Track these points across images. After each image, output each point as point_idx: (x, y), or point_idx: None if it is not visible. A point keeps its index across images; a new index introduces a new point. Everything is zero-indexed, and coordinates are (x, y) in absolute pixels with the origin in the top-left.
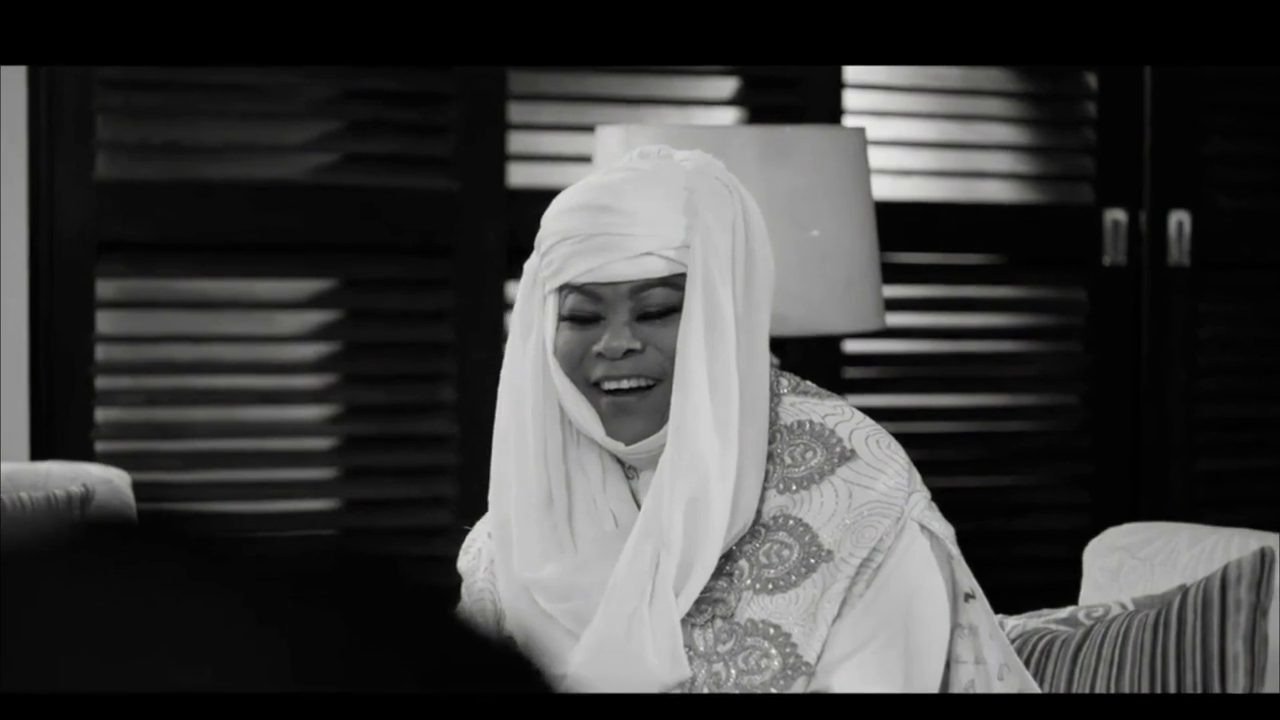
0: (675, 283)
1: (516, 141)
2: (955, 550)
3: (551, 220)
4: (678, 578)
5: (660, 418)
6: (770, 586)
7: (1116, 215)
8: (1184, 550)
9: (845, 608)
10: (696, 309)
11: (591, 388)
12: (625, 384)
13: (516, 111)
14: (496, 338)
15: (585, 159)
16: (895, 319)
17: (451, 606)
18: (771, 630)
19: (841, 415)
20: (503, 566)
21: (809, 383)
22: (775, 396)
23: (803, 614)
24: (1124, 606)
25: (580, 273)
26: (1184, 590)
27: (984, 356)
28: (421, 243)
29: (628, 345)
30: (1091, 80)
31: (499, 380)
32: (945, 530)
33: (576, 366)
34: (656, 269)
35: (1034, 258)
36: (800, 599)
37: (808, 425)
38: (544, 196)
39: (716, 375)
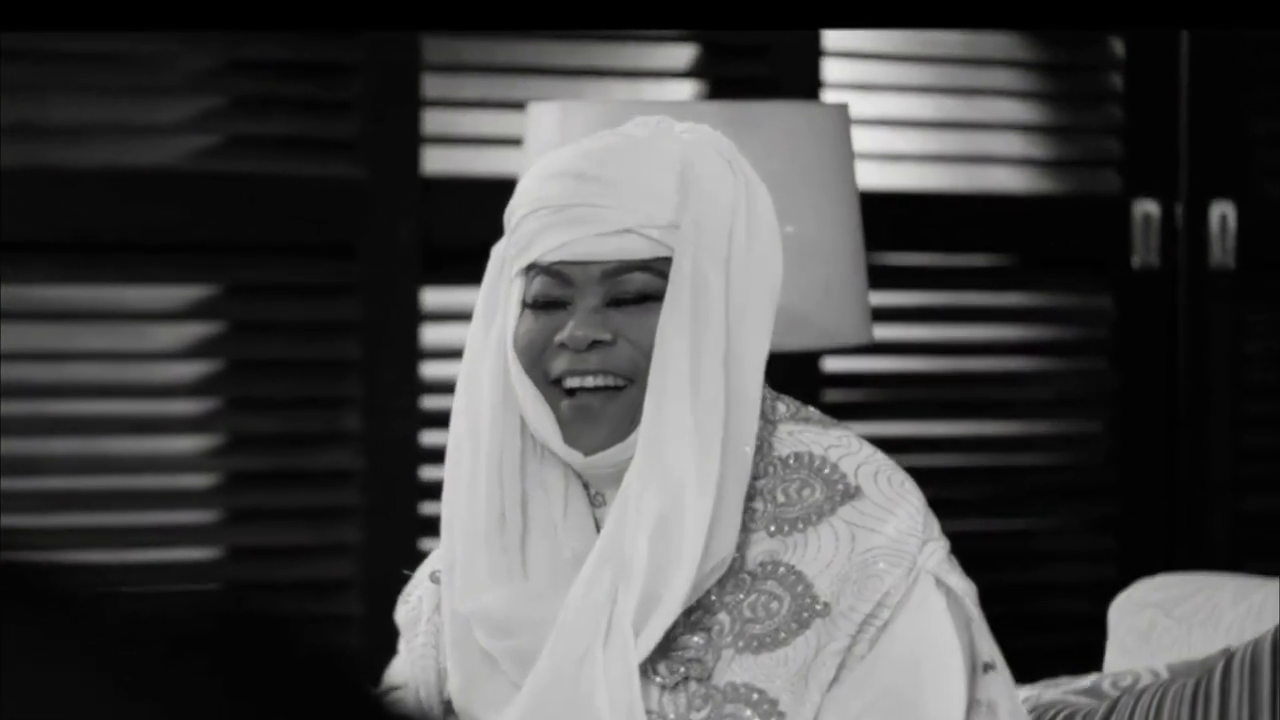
0: (658, 268)
1: (433, 121)
2: (976, 611)
3: (524, 190)
4: (638, 613)
5: (628, 426)
6: (755, 644)
7: (1148, 208)
8: (1228, 607)
9: (844, 670)
10: (682, 297)
11: (552, 386)
12: (590, 381)
13: (433, 86)
14: (410, 355)
15: (515, 141)
16: (884, 331)
17: (354, 673)
18: (755, 696)
19: (847, 448)
20: (446, 602)
21: (812, 409)
22: (770, 424)
23: (793, 677)
24: (1156, 674)
25: (549, 249)
26: (1228, 655)
27: (990, 376)
28: (321, 241)
29: (595, 335)
30: (1118, 47)
31: (414, 397)
32: (965, 587)
33: (537, 360)
34: (637, 250)
35: (1050, 258)
36: (790, 660)
37: (807, 458)
38: (465, 186)
39: (700, 377)
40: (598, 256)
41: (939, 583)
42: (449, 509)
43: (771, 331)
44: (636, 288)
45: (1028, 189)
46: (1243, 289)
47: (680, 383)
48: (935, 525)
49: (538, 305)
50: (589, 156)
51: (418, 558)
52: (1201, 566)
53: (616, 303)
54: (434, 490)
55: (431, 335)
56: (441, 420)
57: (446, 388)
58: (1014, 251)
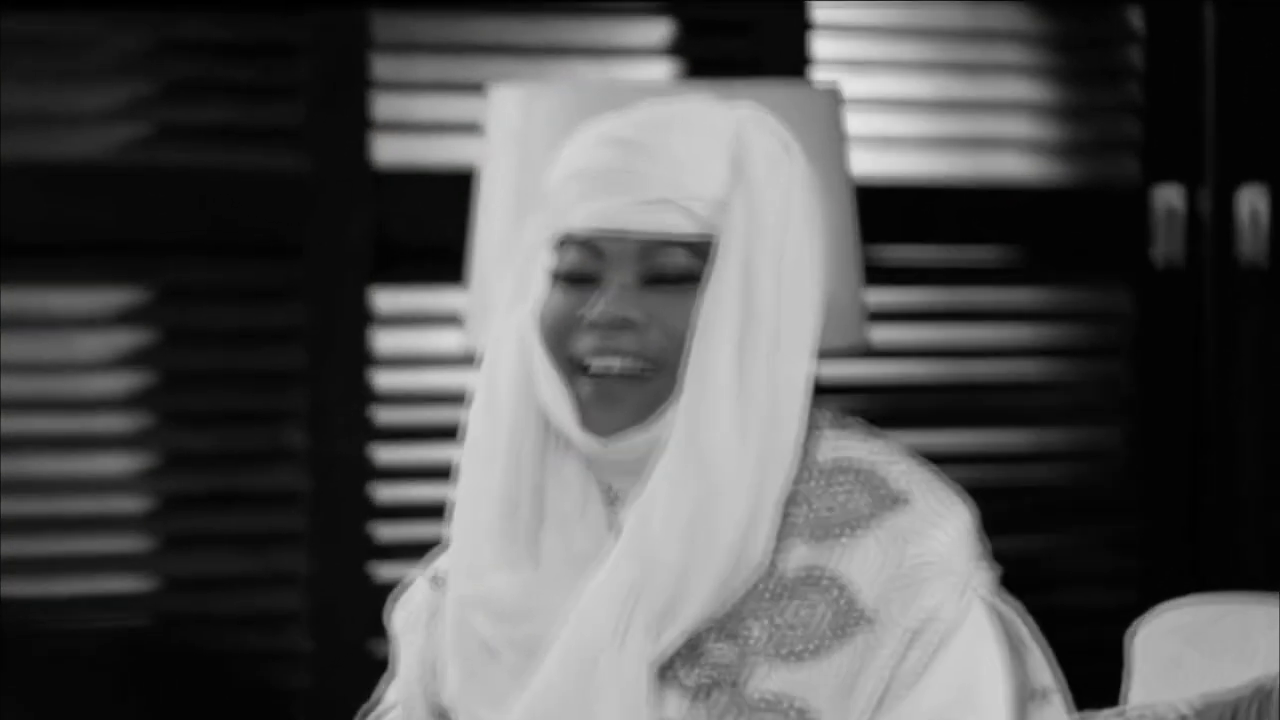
0: (700, 249)
1: (384, 107)
2: (1031, 636)
3: (562, 160)
4: (661, 616)
5: (649, 412)
6: (794, 656)
7: (1171, 196)
8: (1261, 633)
9: (889, 696)
10: (730, 282)
11: (574, 367)
12: (615, 364)
13: (384, 67)
14: (360, 363)
15: (474, 128)
16: (882, 334)
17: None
18: (792, 708)
19: (893, 458)
20: (451, 589)
21: (853, 418)
22: (815, 430)
23: (835, 690)
24: (1182, 709)
25: (583, 218)
26: (1260, 686)
27: (997, 383)
28: (262, 240)
29: (626, 314)
30: (1136, 18)
31: (364, 410)
32: (1015, 611)
33: (561, 339)
34: (678, 225)
35: (1063, 253)
36: (831, 673)
37: (851, 466)
38: (420, 178)
39: (745, 370)
40: (634, 228)
41: (991, 607)
42: (462, 498)
43: (819, 333)
44: (676, 267)
45: (1038, 176)
46: (1275, 285)
47: (723, 375)
48: (983, 551)
49: (567, 279)
50: (632, 123)
51: (369, 587)
52: (1231, 591)
53: (652, 282)
54: (387, 512)
55: (384, 342)
56: (394, 435)
57: (399, 399)
58: (1023, 245)
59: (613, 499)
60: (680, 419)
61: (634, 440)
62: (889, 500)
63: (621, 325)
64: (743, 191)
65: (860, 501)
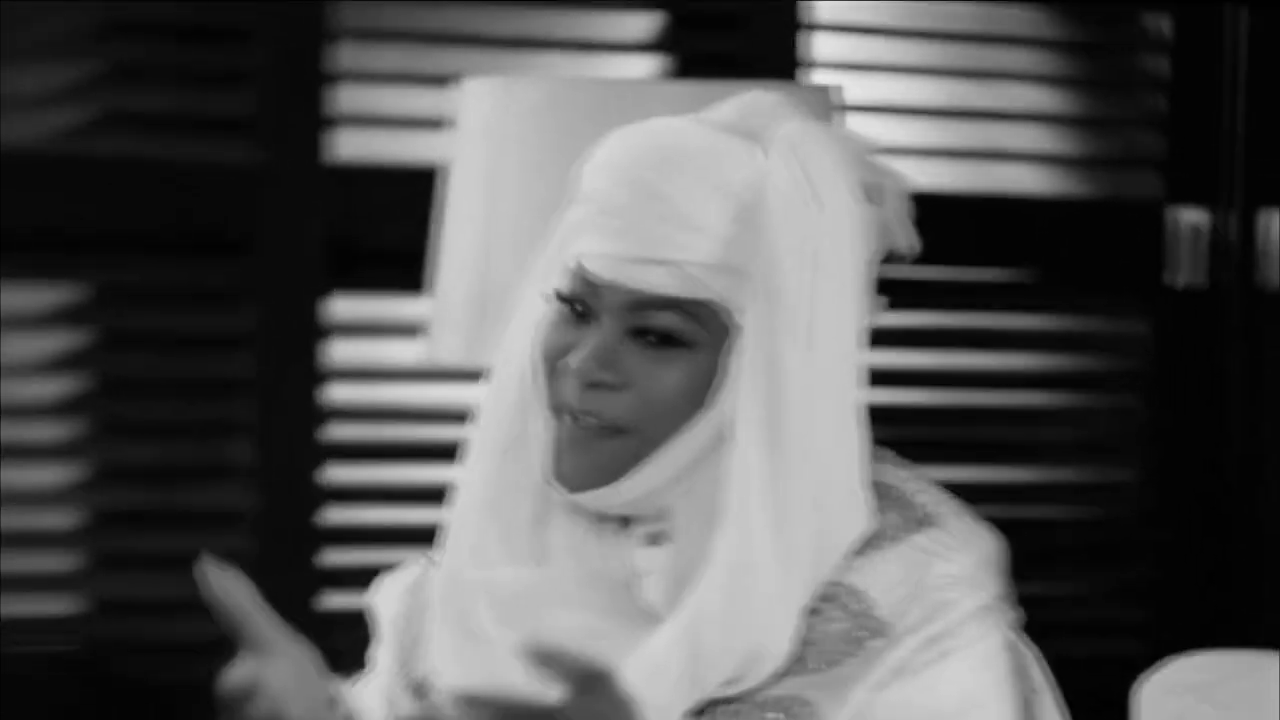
0: (691, 310)
1: (345, 98)
2: (1041, 674)
3: (591, 162)
4: (707, 696)
5: (621, 471)
6: (802, 666)
7: (1193, 216)
8: (1273, 693)
9: (884, 690)
10: (755, 371)
11: (557, 410)
12: (591, 420)
13: (345, 55)
14: (311, 375)
15: (440, 123)
16: (881, 359)
17: None
18: (796, 712)
19: (922, 485)
20: (449, 567)
21: (886, 450)
22: None
23: (839, 691)
24: None
25: (580, 250)
26: None
27: (1003, 413)
28: (210, 238)
29: (601, 376)
30: (1163, 24)
31: (316, 425)
32: (1032, 651)
33: (551, 373)
34: (666, 286)
35: (1076, 274)
36: (839, 680)
37: (881, 487)
38: (380, 176)
39: (778, 469)
40: (626, 282)
41: (1009, 643)
42: (463, 478)
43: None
44: (661, 328)
45: (1051, 191)
46: None
47: (757, 482)
48: (1007, 591)
49: (565, 307)
50: (649, 156)
51: (316, 615)
52: (1247, 643)
53: (641, 336)
54: (338, 536)
55: (338, 352)
56: (347, 452)
57: (354, 414)
58: (1034, 265)
59: (627, 519)
60: (727, 530)
61: (604, 501)
62: (917, 521)
63: (597, 384)
64: (761, 260)
65: (888, 520)
